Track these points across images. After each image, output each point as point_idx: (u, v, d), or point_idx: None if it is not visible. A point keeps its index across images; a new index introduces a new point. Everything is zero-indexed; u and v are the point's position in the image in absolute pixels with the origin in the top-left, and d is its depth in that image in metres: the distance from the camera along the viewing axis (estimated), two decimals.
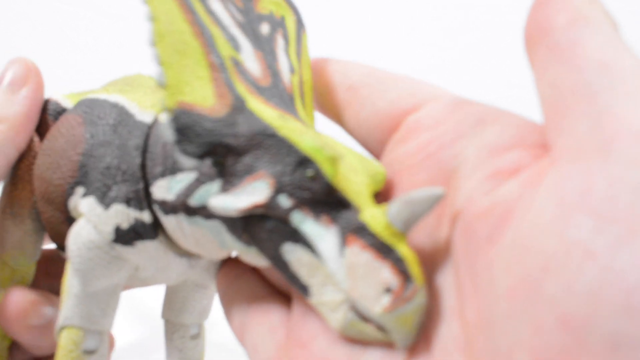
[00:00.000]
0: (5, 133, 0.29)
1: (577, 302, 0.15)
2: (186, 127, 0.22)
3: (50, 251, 0.35)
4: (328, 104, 0.28)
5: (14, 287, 0.31)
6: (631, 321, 0.14)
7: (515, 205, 0.18)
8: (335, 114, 0.28)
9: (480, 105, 0.23)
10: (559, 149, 0.17)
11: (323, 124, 0.29)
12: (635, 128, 0.16)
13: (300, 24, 0.29)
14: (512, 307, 0.16)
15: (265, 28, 0.26)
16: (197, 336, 0.32)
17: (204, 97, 0.22)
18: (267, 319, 0.25)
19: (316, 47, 0.30)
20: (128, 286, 0.29)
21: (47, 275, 0.34)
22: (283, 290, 0.27)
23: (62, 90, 0.32)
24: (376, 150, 0.26)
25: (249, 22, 0.26)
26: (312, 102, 0.28)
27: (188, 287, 0.31)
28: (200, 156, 0.22)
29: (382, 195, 0.23)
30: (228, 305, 0.28)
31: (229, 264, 0.30)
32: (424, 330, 0.21)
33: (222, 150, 0.22)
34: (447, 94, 0.25)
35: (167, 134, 0.22)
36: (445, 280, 0.21)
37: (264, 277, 0.28)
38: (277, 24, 0.27)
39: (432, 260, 0.21)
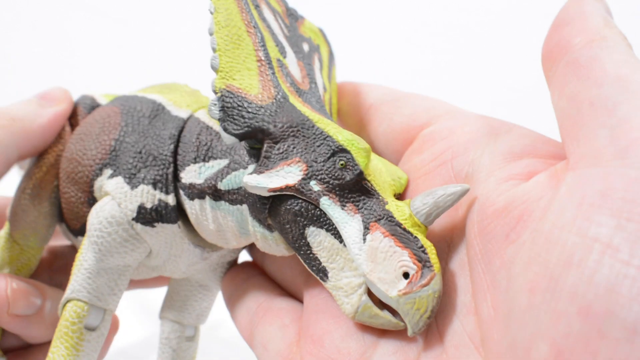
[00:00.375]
0: (13, 133, 0.29)
1: (597, 294, 0.16)
2: (232, 107, 0.23)
3: (57, 247, 0.35)
4: (351, 121, 0.30)
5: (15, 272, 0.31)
6: None
7: (532, 206, 0.19)
8: (356, 130, 0.30)
9: (492, 118, 0.25)
10: (578, 156, 0.19)
11: None
12: None
13: (332, 56, 0.32)
14: (532, 300, 0.17)
15: (306, 47, 0.29)
16: (192, 338, 0.32)
17: (250, 85, 0.24)
18: (278, 318, 0.26)
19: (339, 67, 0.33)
20: (137, 278, 0.30)
21: (50, 269, 0.34)
22: (293, 291, 0.28)
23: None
24: (392, 162, 0.27)
25: (294, 37, 0.28)
26: (336, 121, 0.30)
27: (191, 286, 0.31)
28: (241, 137, 0.23)
29: (400, 200, 0.25)
30: (234, 305, 0.28)
31: (236, 270, 0.30)
32: (438, 326, 0.21)
33: (260, 135, 0.23)
34: (460, 109, 0.27)
35: (211, 112, 0.23)
36: (460, 279, 0.22)
37: (273, 280, 0.29)
38: (315, 48, 0.30)
39: (448, 261, 0.22)
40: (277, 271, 0.29)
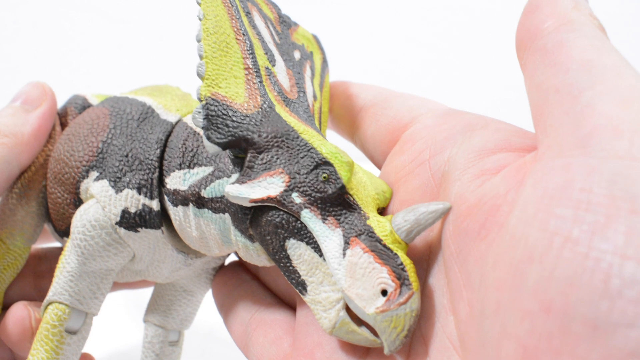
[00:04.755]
0: (11, 148, 0.29)
1: (558, 289, 0.15)
2: (216, 115, 0.23)
3: (41, 250, 0.35)
4: (344, 124, 0.30)
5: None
6: (609, 305, 0.15)
7: (500, 200, 0.19)
8: (349, 132, 0.30)
9: (469, 114, 0.24)
10: (545, 146, 0.18)
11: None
12: (614, 122, 0.17)
13: (325, 63, 0.31)
14: (500, 299, 0.17)
15: (297, 55, 0.28)
16: (176, 343, 0.32)
17: (236, 94, 0.24)
18: (272, 330, 0.26)
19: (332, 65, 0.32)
20: (120, 281, 0.30)
21: (35, 273, 0.34)
22: (287, 300, 0.28)
23: (61, 90, 0.33)
24: (381, 163, 0.27)
25: (285, 45, 0.28)
26: (325, 132, 0.29)
27: (176, 291, 0.31)
28: (224, 145, 0.23)
29: (384, 213, 0.25)
30: (228, 313, 0.28)
31: (225, 273, 0.30)
32: (422, 330, 0.21)
33: (244, 144, 0.23)
34: (441, 106, 0.26)
35: (195, 120, 0.23)
36: (437, 280, 0.21)
37: (266, 286, 0.29)
38: (307, 56, 0.29)
39: (426, 261, 0.22)
40: (270, 279, 0.29)
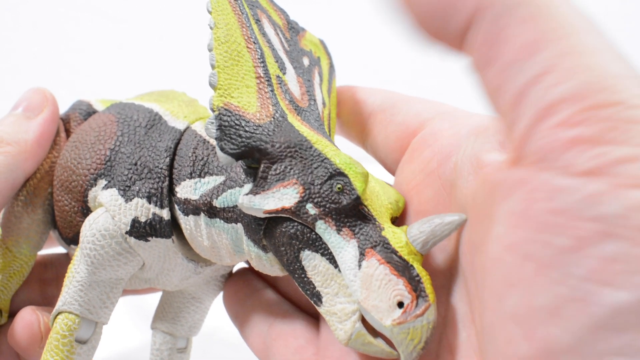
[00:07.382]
0: (15, 156, 0.29)
1: (538, 318, 0.15)
2: (229, 126, 0.23)
3: (47, 257, 0.35)
4: (354, 131, 0.30)
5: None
6: (593, 336, 0.14)
7: (493, 210, 0.18)
8: (360, 139, 0.29)
9: (475, 116, 0.24)
10: (510, 159, 0.17)
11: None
12: (569, 135, 0.15)
13: (332, 69, 0.31)
14: (492, 318, 0.17)
15: (306, 61, 0.28)
16: (184, 350, 0.32)
17: (249, 103, 0.24)
18: (294, 339, 0.25)
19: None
20: (129, 289, 0.30)
21: (41, 280, 0.33)
22: (305, 307, 0.27)
23: (62, 92, 0.33)
24: (393, 170, 0.27)
25: (294, 52, 0.28)
26: (334, 138, 0.29)
27: (184, 298, 0.31)
28: (237, 156, 0.23)
29: (398, 223, 0.25)
30: (243, 324, 0.28)
31: (236, 282, 0.30)
32: (448, 339, 0.21)
33: (257, 154, 0.23)
34: (448, 108, 0.26)
35: (208, 131, 0.23)
36: (460, 288, 0.21)
37: (280, 293, 0.29)
38: (315, 62, 0.29)
39: (449, 270, 0.22)
40: (288, 286, 0.28)
